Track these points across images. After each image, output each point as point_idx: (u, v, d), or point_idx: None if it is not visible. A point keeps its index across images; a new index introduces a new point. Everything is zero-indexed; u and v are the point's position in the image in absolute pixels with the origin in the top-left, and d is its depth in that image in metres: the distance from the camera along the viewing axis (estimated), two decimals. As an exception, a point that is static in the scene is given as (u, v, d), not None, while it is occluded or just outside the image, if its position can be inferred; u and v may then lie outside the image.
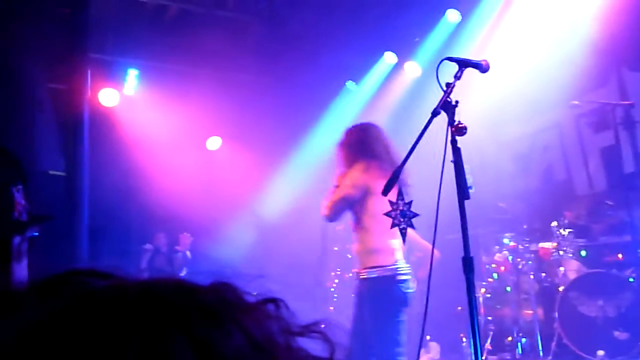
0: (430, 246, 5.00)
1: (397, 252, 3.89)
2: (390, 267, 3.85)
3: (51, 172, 7.30)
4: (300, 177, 8.75)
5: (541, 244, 6.49)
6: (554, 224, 6.43)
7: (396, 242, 3.84)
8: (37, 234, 1.55)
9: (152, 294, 0.43)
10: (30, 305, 0.44)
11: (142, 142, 8.29)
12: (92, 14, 6.98)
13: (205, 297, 0.45)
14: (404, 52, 8.36)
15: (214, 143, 9.29)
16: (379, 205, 3.61)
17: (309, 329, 0.50)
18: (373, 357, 3.88)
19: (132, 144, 8.24)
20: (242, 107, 8.70)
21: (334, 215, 4.12)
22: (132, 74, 8.28)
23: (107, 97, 8.12)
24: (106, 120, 8.00)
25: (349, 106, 9.00)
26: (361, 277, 3.99)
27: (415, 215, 3.20)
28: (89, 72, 7.12)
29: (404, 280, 3.91)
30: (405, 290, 3.92)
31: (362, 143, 4.35)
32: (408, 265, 4.05)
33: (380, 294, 3.91)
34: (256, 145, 8.80)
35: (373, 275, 3.93)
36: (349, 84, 9.05)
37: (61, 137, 7.52)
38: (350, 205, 4.11)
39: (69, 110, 7.01)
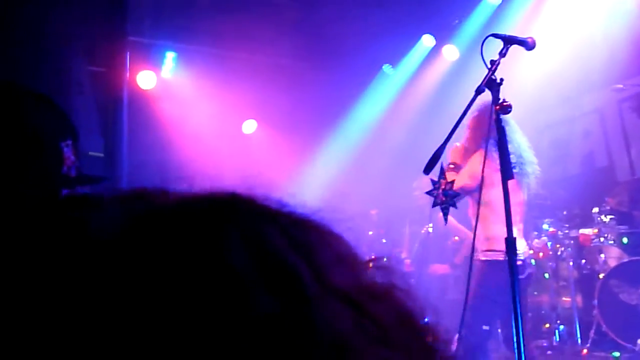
0: (468, 232, 5.01)
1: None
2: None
3: (90, 154, 7.41)
4: (338, 162, 8.75)
5: (581, 230, 6.38)
6: (595, 210, 6.31)
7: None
8: (87, 191, 1.54)
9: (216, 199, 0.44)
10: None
11: (179, 125, 8.36)
12: (130, -3, 7.04)
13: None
14: (443, 35, 8.25)
15: (249, 126, 9.31)
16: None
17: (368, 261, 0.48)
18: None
19: (170, 126, 8.32)
20: (278, 92, 8.69)
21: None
22: (170, 56, 8.34)
23: (145, 79, 8.20)
24: (145, 102, 8.08)
25: (386, 90, 8.94)
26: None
27: (457, 195, 3.17)
28: (128, 54, 7.19)
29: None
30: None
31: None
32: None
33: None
34: (292, 130, 8.80)
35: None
36: (386, 67, 8.98)
37: (101, 119, 7.62)
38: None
39: (108, 93, 7.11)
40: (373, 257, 0.49)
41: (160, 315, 0.35)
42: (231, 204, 0.42)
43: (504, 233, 2.96)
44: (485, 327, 4.06)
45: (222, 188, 0.44)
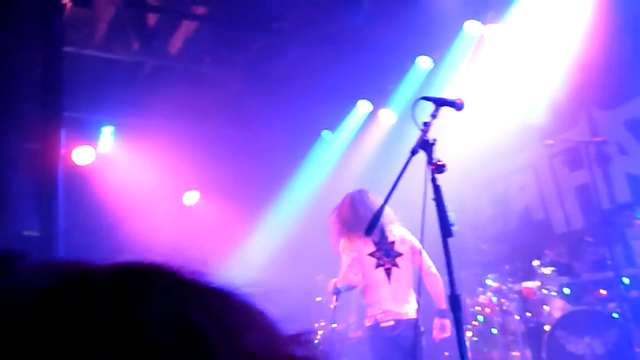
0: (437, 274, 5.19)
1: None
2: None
3: (25, 233, 7.16)
4: (283, 229, 8.71)
5: (524, 284, 6.48)
6: (536, 262, 6.44)
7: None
8: None
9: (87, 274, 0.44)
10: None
11: (118, 200, 8.20)
12: (65, 72, 6.98)
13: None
14: (378, 99, 8.48)
15: (191, 198, 9.22)
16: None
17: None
18: None
19: (109, 201, 8.14)
20: (219, 161, 8.68)
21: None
22: (107, 130, 8.25)
23: (81, 155, 8.05)
24: (82, 178, 7.92)
25: (327, 155, 9.05)
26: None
27: (399, 254, 3.17)
28: (63, 130, 7.07)
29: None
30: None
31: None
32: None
33: None
34: (235, 198, 8.76)
35: None
36: (325, 133, 9.12)
37: (36, 197, 7.41)
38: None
39: (43, 170, 6.94)
40: (296, 332, 0.50)
41: None
42: (148, 270, 0.44)
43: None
44: None
45: (143, 258, 0.45)
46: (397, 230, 4.10)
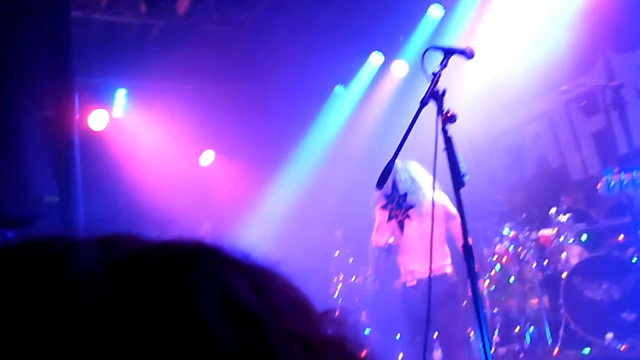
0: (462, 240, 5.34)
1: None
2: None
3: (46, 198, 7.27)
4: (298, 185, 8.75)
5: (541, 232, 6.47)
6: (553, 210, 6.42)
7: None
8: (12, 234, 1.52)
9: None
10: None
11: (134, 162, 8.26)
12: (75, 37, 6.97)
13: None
14: (390, 51, 8.37)
15: (207, 158, 9.25)
16: None
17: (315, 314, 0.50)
18: None
19: (125, 164, 8.21)
20: (232, 120, 8.68)
21: None
22: (120, 94, 8.27)
23: (96, 120, 8.10)
24: (97, 142, 7.98)
25: (340, 110, 9.01)
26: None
27: (412, 206, 3.19)
28: (77, 96, 7.10)
29: None
30: None
31: None
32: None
33: None
34: (250, 157, 8.79)
35: None
36: (338, 88, 9.05)
37: (53, 163, 7.50)
38: None
39: (59, 136, 6.99)
40: (326, 310, 0.52)
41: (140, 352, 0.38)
42: (199, 253, 0.46)
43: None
44: None
45: (189, 236, 0.48)
46: (429, 192, 4.14)
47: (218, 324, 0.40)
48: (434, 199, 3.88)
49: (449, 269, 4.84)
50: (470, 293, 2.90)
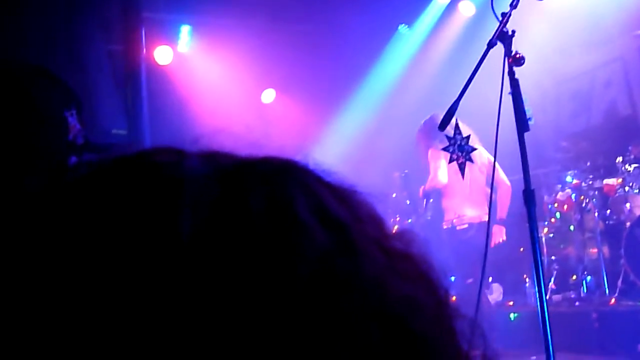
0: (509, 185, 5.40)
1: None
2: None
3: (114, 131, 7.51)
4: (359, 126, 8.75)
5: (606, 181, 6.33)
6: (619, 159, 6.25)
7: None
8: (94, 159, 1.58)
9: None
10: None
11: (198, 98, 8.41)
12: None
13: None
14: (458, -10, 8.14)
15: (268, 96, 9.32)
16: None
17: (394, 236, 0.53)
18: None
19: (189, 100, 8.36)
20: (295, 59, 8.67)
21: None
22: (185, 30, 8.35)
23: (162, 55, 8.24)
24: (163, 77, 8.13)
25: (404, 50, 8.87)
26: None
27: (474, 149, 3.17)
28: (143, 31, 7.21)
29: None
30: None
31: None
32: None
33: None
34: (312, 96, 8.79)
35: None
36: (402, 27, 8.89)
37: (120, 97, 7.70)
38: None
39: (126, 70, 7.16)
40: (400, 230, 0.55)
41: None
42: (291, 167, 0.50)
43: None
44: None
45: (276, 155, 0.51)
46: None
47: (313, 224, 0.44)
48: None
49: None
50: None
